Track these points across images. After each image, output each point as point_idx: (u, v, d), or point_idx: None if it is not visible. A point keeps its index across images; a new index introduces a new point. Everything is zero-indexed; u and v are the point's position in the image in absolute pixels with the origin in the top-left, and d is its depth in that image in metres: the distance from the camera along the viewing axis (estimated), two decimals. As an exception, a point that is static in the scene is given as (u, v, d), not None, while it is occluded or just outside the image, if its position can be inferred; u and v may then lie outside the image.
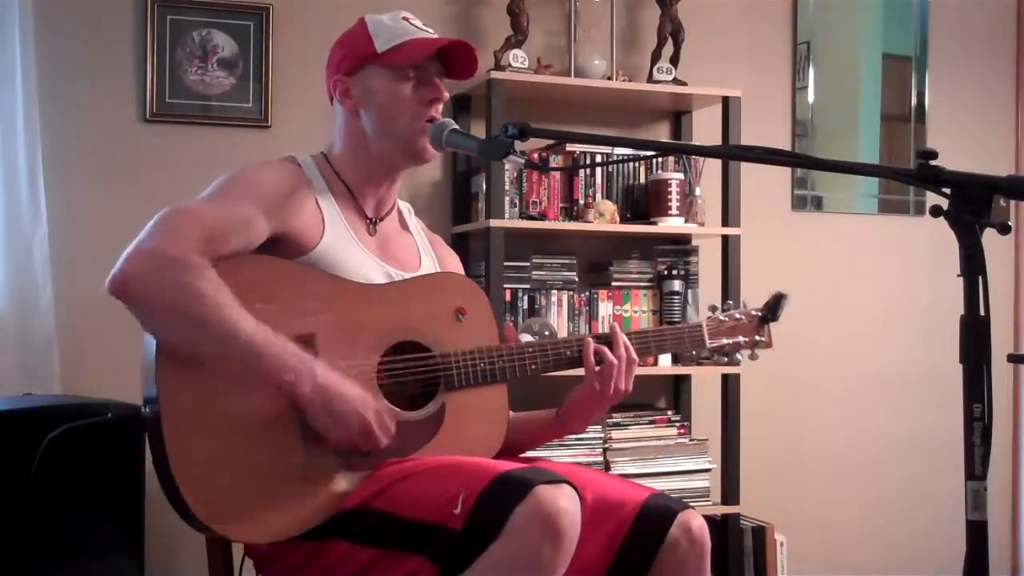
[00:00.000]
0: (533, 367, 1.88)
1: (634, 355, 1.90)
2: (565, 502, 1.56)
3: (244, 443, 1.67)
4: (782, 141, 3.76)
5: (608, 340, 1.89)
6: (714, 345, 1.99)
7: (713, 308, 2.05)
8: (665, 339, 1.98)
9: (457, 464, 1.69)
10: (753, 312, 2.01)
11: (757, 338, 2.01)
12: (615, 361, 1.87)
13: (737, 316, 2.01)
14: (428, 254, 2.04)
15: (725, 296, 3.30)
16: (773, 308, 1.99)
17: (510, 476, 1.59)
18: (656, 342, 1.98)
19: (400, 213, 2.06)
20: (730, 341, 1.99)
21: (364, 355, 1.78)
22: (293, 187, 1.84)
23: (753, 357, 2.04)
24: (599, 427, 3.25)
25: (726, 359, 2.03)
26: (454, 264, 2.10)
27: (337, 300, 1.77)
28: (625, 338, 1.90)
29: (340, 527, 1.69)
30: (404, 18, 1.92)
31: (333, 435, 1.70)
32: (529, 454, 2.01)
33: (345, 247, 1.85)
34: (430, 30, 1.94)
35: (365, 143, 1.91)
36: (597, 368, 1.87)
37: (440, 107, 1.91)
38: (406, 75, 1.88)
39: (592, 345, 1.88)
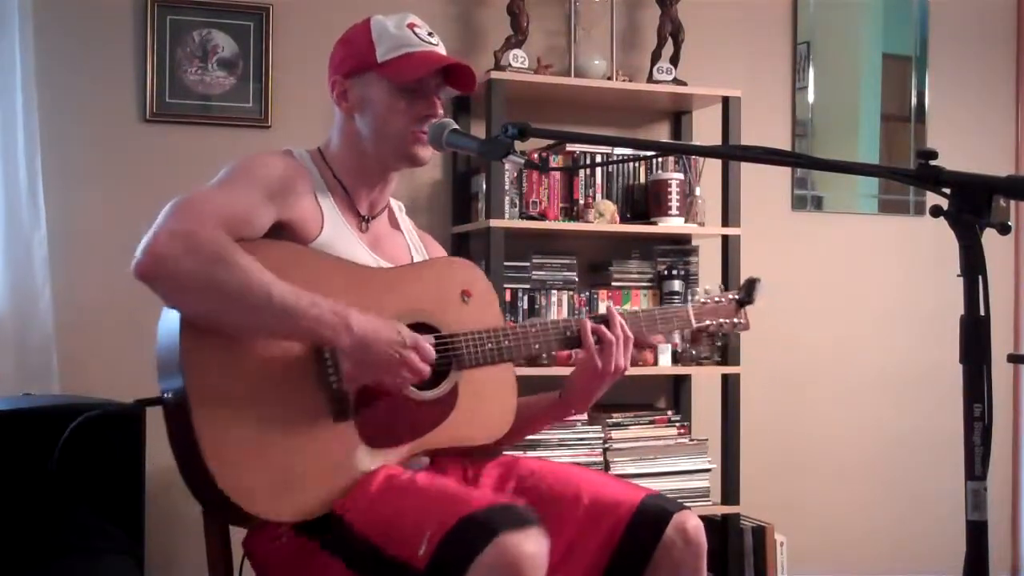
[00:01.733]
0: (537, 346, 1.93)
1: (629, 333, 1.96)
2: (530, 547, 1.53)
3: (272, 421, 1.69)
4: (782, 141, 3.76)
5: (605, 320, 1.96)
6: (699, 325, 2.11)
7: (697, 292, 2.18)
8: (655, 319, 2.05)
9: (439, 493, 1.67)
10: (731, 296, 2.14)
11: (736, 320, 2.15)
12: (613, 339, 1.92)
13: (717, 299, 2.13)
14: (419, 251, 2.06)
15: (725, 296, 3.30)
16: (748, 291, 2.11)
17: (474, 520, 1.55)
18: (647, 322, 2.03)
19: (391, 212, 2.07)
20: (713, 322, 2.12)
21: None
22: (294, 177, 1.85)
23: (735, 334, 2.18)
24: (599, 427, 3.25)
25: (717, 341, 2.15)
26: None
27: (350, 282, 1.79)
28: (621, 317, 1.97)
29: (328, 534, 1.70)
30: (410, 24, 1.90)
31: (379, 380, 1.73)
32: (523, 469, 1.96)
33: (343, 240, 1.87)
34: (435, 40, 1.92)
35: (360, 144, 1.93)
36: (597, 346, 1.92)
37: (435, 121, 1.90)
38: (403, 89, 1.88)
39: (589, 324, 1.93)
